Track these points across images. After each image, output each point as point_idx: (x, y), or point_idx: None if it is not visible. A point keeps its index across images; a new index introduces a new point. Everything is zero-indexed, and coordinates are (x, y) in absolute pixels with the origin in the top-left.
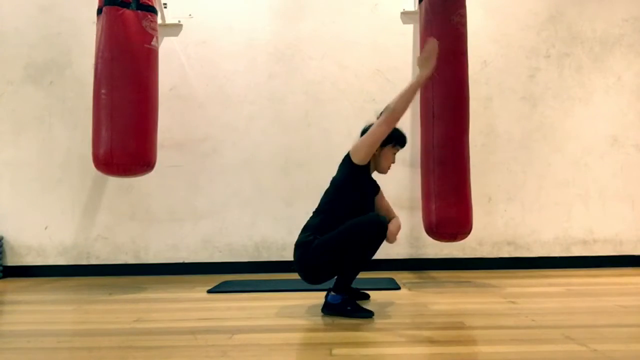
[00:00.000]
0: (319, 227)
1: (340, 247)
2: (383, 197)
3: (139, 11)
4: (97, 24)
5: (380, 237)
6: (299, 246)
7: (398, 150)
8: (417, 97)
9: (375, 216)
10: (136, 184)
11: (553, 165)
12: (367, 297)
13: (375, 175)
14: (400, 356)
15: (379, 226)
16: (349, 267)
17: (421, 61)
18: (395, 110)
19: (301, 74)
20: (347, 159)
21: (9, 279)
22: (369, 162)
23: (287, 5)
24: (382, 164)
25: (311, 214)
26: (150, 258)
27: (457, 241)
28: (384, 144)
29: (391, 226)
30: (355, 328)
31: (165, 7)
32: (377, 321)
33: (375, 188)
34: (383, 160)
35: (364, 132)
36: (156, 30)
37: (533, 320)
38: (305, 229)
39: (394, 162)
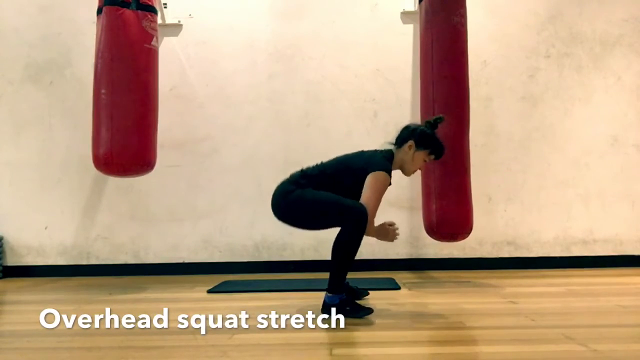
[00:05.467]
0: (309, 183)
1: (322, 216)
2: None
3: (139, 11)
4: (97, 24)
5: (361, 231)
6: (286, 186)
7: (430, 160)
8: (417, 97)
9: (362, 208)
10: (136, 184)
11: (553, 165)
12: (367, 293)
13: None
14: (400, 356)
15: (362, 217)
16: (338, 264)
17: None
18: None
19: (301, 74)
20: (368, 170)
21: (9, 279)
22: (394, 161)
23: (287, 5)
24: (410, 167)
25: (303, 169)
26: (150, 258)
27: (457, 241)
28: (421, 147)
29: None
30: (355, 328)
31: (165, 7)
32: (377, 321)
33: None
34: (413, 163)
35: (406, 128)
36: (156, 30)
37: (533, 320)
38: (293, 179)
39: (421, 169)
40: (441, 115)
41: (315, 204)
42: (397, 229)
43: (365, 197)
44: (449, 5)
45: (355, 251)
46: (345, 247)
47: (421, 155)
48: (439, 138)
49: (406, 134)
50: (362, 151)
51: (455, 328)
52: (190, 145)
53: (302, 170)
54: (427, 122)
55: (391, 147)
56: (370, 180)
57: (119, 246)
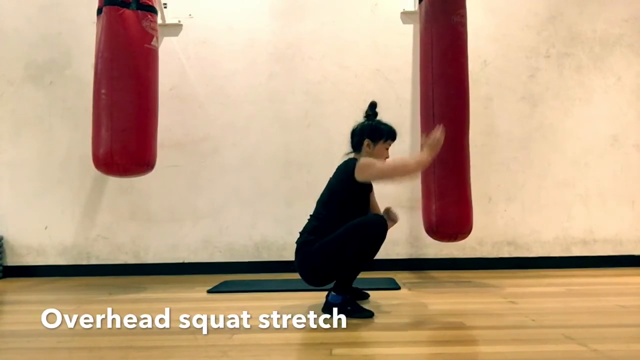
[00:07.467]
0: (318, 229)
1: (342, 249)
2: (373, 194)
3: (139, 11)
4: (97, 24)
5: (381, 238)
6: (300, 249)
7: (390, 144)
8: (417, 97)
9: (375, 217)
10: (136, 184)
11: (553, 165)
12: (367, 296)
13: None
14: (400, 356)
15: (380, 227)
16: (350, 268)
17: (430, 145)
18: (397, 172)
19: (301, 74)
20: (350, 172)
21: (9, 279)
22: None
23: (287, 5)
24: (377, 159)
25: (309, 217)
26: (150, 258)
27: (457, 241)
28: (376, 140)
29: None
30: (355, 328)
31: (165, 7)
32: (377, 321)
33: (370, 187)
34: (377, 156)
35: (353, 133)
36: (156, 30)
37: (533, 320)
38: (304, 232)
39: (387, 157)
40: (372, 100)
41: (334, 240)
42: (390, 208)
43: (376, 171)
44: (449, 5)
45: (370, 259)
46: (362, 254)
47: (381, 147)
48: (383, 122)
49: (358, 138)
50: (331, 178)
51: (455, 328)
52: (190, 145)
53: (301, 233)
54: (367, 115)
55: (352, 155)
56: (361, 166)
57: (119, 246)
